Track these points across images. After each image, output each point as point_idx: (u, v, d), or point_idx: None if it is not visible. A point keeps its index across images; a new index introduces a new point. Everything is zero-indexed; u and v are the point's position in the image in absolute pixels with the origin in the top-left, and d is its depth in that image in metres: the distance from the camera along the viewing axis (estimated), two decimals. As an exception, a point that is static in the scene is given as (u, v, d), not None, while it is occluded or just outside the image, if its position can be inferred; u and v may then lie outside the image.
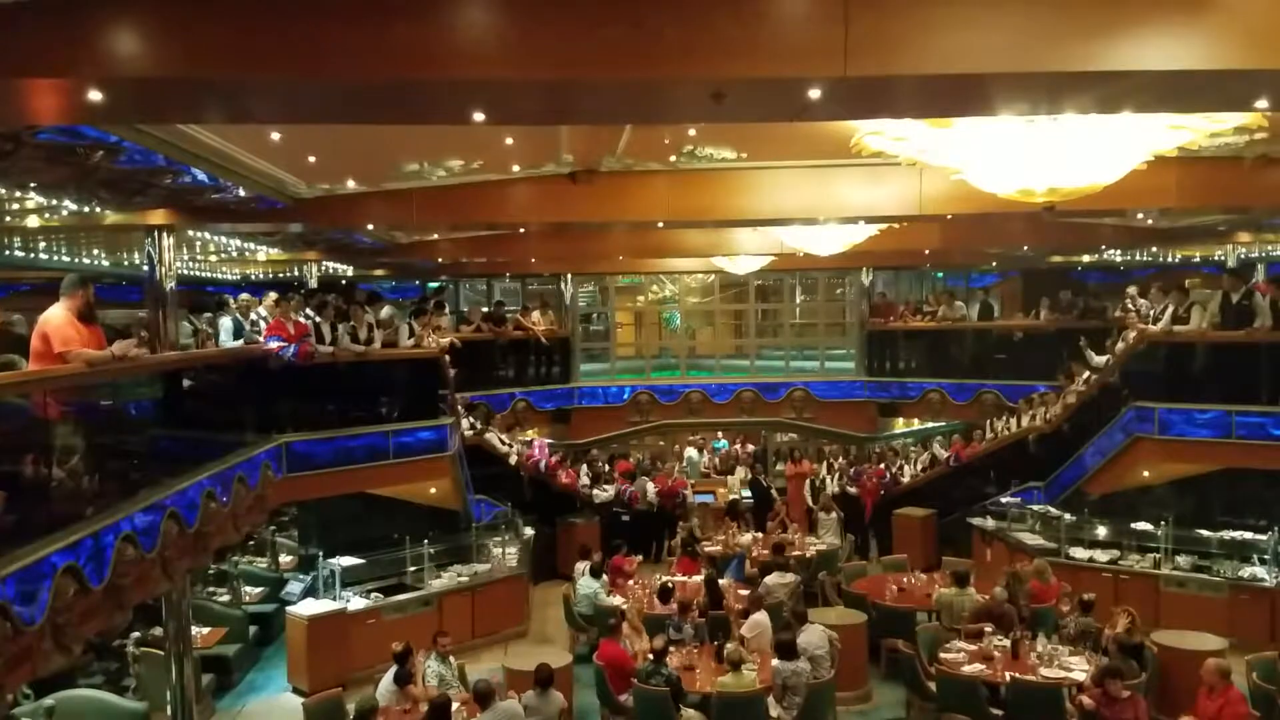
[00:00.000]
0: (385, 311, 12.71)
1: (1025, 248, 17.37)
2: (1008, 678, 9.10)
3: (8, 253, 12.68)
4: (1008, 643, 9.76)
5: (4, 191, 8.50)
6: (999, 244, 16.86)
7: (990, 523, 14.72)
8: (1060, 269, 20.40)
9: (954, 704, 9.18)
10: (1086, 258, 19.54)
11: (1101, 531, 13.33)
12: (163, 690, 9.62)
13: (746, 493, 18.25)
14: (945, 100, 5.54)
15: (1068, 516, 13.69)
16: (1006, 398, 17.16)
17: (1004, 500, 14.97)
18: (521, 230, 14.73)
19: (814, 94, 4.91)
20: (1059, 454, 14.64)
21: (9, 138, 6.55)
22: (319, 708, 9.09)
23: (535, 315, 19.29)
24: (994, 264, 20.72)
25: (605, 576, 12.56)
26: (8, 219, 9.95)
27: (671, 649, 9.67)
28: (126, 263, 15.62)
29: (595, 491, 16.58)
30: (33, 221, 9.98)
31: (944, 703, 9.33)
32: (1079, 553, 13.02)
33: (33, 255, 12.99)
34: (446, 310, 17.06)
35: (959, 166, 7.09)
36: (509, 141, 9.14)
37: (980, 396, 18.07)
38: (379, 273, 21.02)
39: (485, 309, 19.59)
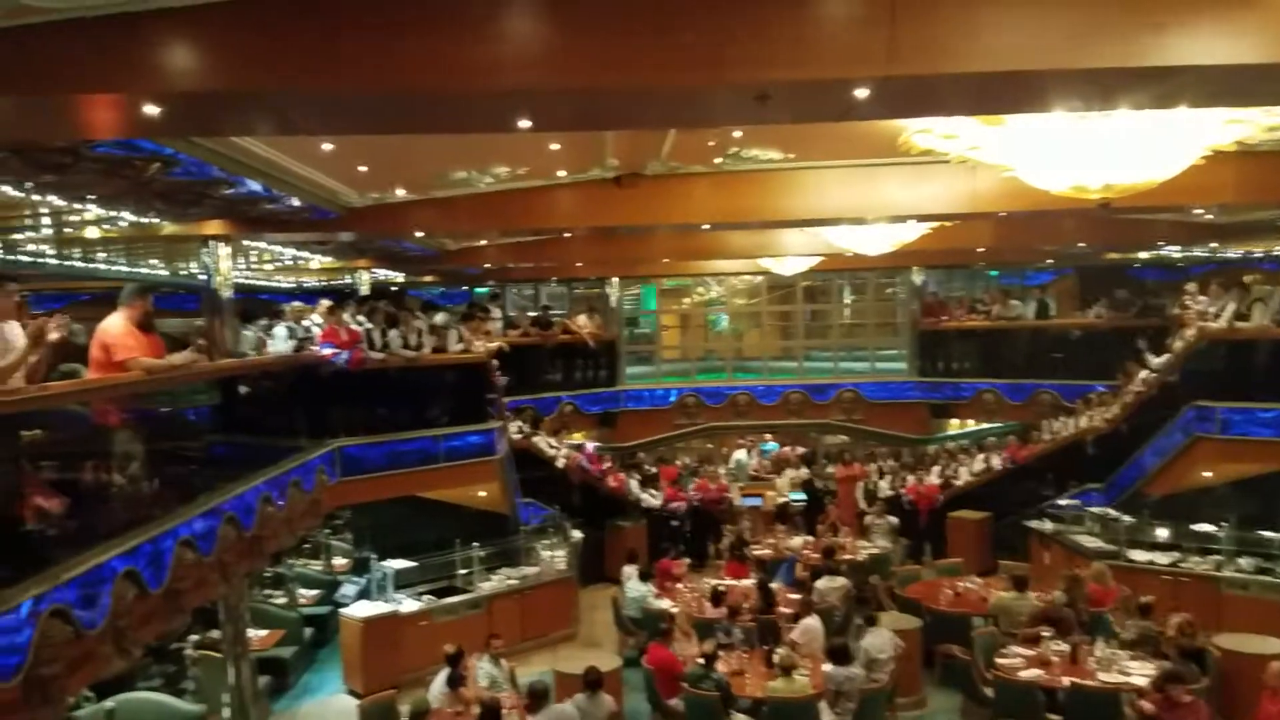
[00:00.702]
0: (440, 318, 12.85)
1: (1081, 244, 17.04)
2: (1066, 683, 8.93)
3: (68, 263, 12.99)
4: (1066, 647, 9.59)
5: (64, 203, 8.73)
6: (1053, 241, 16.54)
7: (1048, 525, 14.44)
8: (1117, 266, 19.96)
9: (1011, 709, 9.03)
10: (1144, 254, 19.11)
11: (1161, 533, 13.01)
12: (220, 692, 9.73)
13: (796, 495, 18.11)
14: (995, 98, 5.47)
15: (1126, 518, 13.39)
16: (1063, 398, 16.85)
17: (1062, 503, 14.68)
18: (567, 235, 14.78)
19: (861, 94, 4.86)
20: (1117, 455, 14.33)
21: (68, 151, 6.73)
22: (373, 709, 9.20)
23: (581, 319, 19.36)
24: (1049, 261, 20.34)
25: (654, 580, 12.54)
26: (68, 230, 10.21)
27: (721, 653, 9.63)
28: (184, 272, 15.95)
29: (644, 497, 16.57)
30: (92, 233, 10.23)
31: (1000, 708, 9.18)
32: (1138, 555, 12.71)
33: (92, 265, 13.30)
34: (495, 315, 17.15)
35: (1011, 164, 6.98)
36: (554, 147, 9.19)
37: (1036, 396, 17.72)
38: (428, 279, 21.24)
39: (532, 314, 19.70)
